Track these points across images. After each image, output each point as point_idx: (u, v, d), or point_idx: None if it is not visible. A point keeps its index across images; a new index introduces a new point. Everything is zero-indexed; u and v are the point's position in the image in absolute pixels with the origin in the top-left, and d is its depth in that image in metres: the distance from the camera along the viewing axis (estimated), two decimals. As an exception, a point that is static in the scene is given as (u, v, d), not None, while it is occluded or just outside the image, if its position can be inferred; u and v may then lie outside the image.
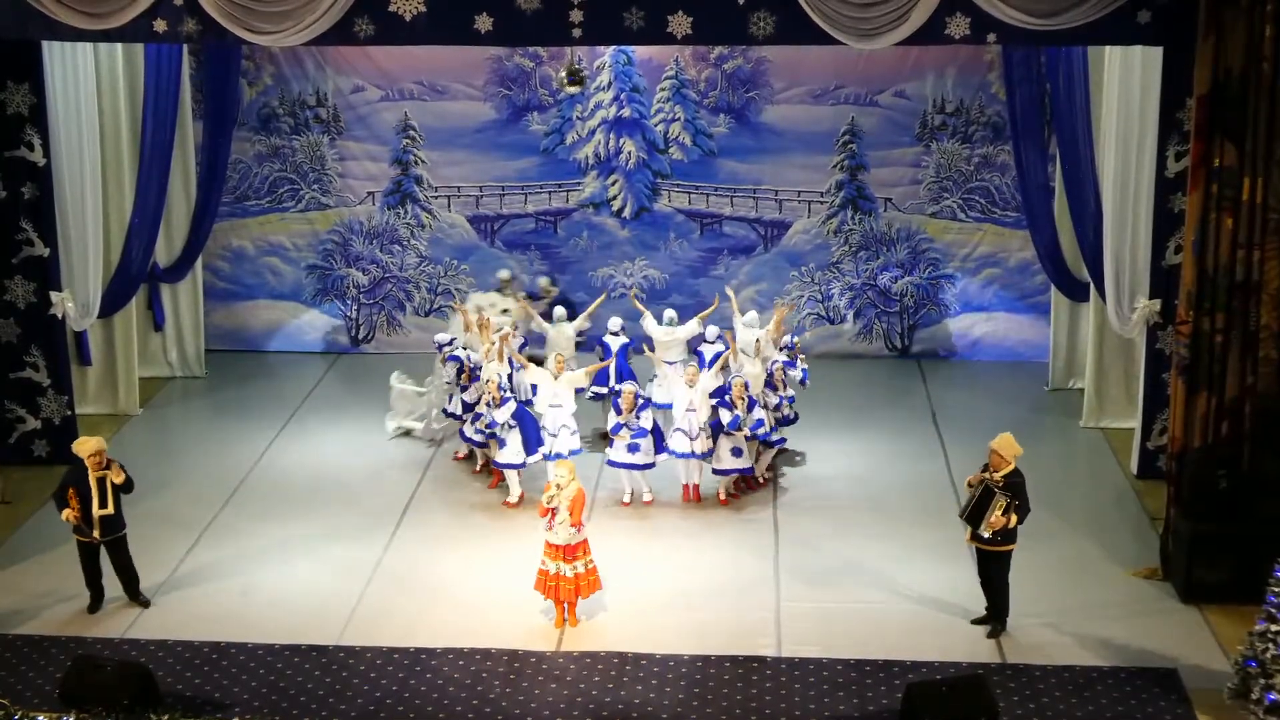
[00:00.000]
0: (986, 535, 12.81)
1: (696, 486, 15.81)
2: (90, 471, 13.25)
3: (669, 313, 17.39)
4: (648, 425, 15.60)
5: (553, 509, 13.00)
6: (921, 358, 19.69)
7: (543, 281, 19.14)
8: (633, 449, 15.53)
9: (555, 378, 15.78)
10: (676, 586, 14.06)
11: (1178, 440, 13.92)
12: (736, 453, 15.60)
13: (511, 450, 15.61)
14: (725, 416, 15.45)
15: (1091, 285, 17.06)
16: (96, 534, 13.31)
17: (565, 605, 13.28)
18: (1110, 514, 15.55)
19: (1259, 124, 13.12)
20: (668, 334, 17.07)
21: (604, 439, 16.23)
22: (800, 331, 19.10)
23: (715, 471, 15.72)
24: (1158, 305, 15.48)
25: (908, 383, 18.98)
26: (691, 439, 15.51)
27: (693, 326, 17.12)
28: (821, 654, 12.86)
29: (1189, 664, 12.66)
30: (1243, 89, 13.11)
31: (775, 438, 16.08)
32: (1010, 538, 12.95)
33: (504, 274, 18.83)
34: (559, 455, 15.31)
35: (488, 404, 15.59)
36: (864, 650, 12.90)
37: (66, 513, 13.23)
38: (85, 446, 13.33)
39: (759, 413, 15.69)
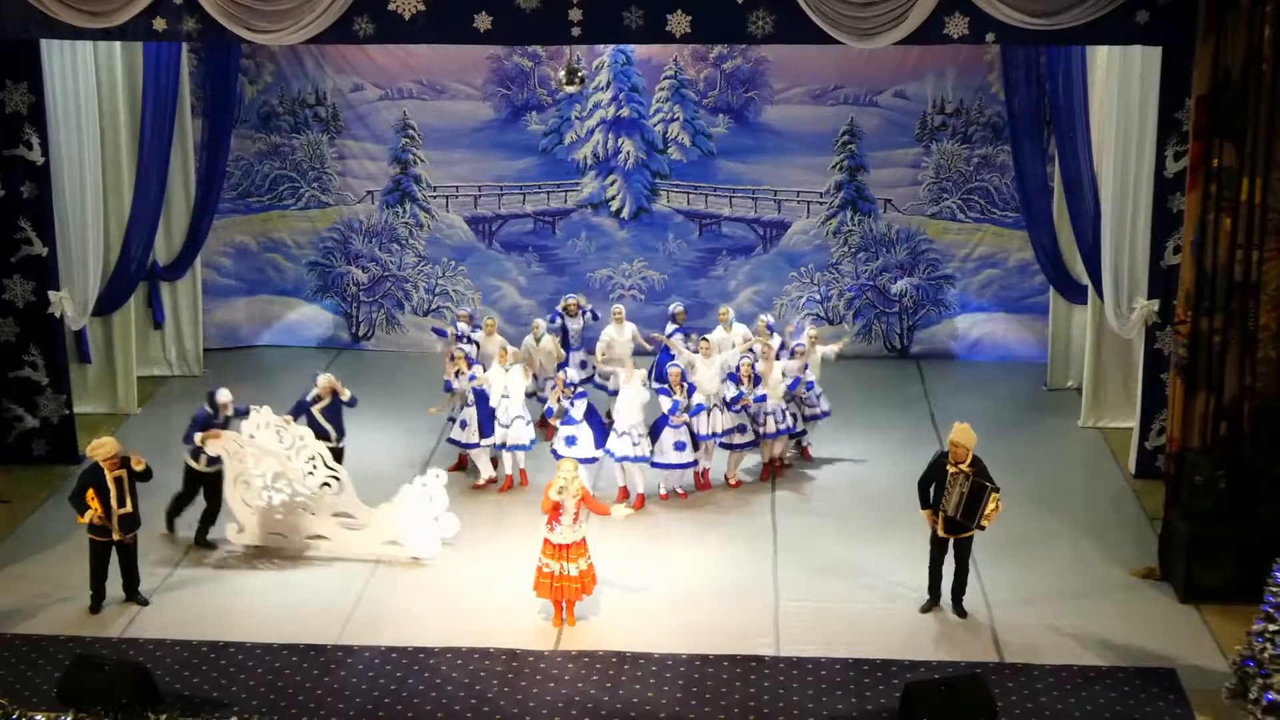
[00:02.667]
0: (986, 527, 13.02)
1: (640, 495, 15.66)
2: (107, 471, 13.24)
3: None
4: (577, 416, 15.49)
5: (558, 503, 12.99)
6: (921, 358, 19.69)
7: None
8: (570, 441, 15.50)
9: (505, 370, 15.87)
10: (675, 586, 14.05)
11: (1176, 440, 13.93)
12: (679, 447, 15.50)
13: (469, 430, 15.78)
14: (665, 403, 15.45)
15: (1090, 286, 17.06)
16: (117, 534, 13.32)
17: (564, 605, 13.28)
18: (1108, 514, 15.54)
19: (1258, 124, 13.14)
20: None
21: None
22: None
23: (654, 465, 15.57)
24: (1156, 305, 15.48)
25: (906, 383, 18.98)
26: (632, 443, 15.41)
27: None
28: (820, 653, 12.87)
29: (1187, 664, 12.66)
30: (1242, 89, 13.13)
31: (740, 441, 15.88)
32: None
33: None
34: (517, 447, 15.69)
35: (454, 374, 15.93)
36: (862, 650, 12.91)
37: (90, 514, 13.21)
38: (103, 448, 13.28)
39: (698, 398, 15.61)
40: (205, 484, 14.61)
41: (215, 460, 14.45)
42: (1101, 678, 12.49)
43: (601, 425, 15.78)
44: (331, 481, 14.59)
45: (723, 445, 15.93)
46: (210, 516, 14.65)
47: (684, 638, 13.12)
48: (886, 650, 12.90)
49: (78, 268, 16.38)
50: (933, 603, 13.50)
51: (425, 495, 14.48)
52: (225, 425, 14.47)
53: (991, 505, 12.94)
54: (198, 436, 14.35)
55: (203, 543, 14.64)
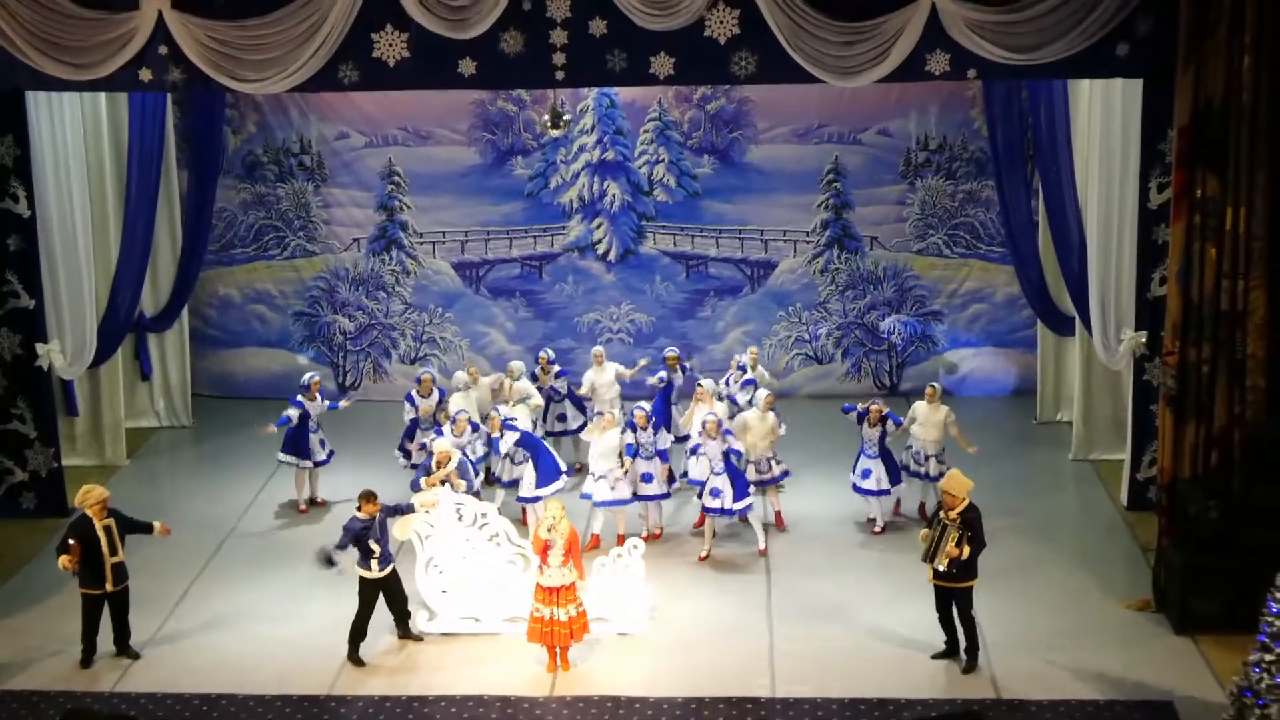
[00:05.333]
0: (941, 568, 12.85)
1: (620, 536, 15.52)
2: (96, 520, 13.15)
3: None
4: (503, 448, 15.72)
5: (548, 542, 12.93)
6: (911, 395, 19.66)
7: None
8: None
9: (511, 405, 16.21)
10: (669, 629, 13.98)
11: (1167, 471, 13.92)
12: (646, 479, 15.54)
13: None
14: (628, 437, 15.55)
15: (1077, 319, 17.10)
16: (110, 584, 13.23)
17: (558, 650, 13.21)
18: (1102, 546, 15.53)
19: (1240, 153, 13.20)
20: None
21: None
22: (788, 372, 19.13)
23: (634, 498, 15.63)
24: (1144, 337, 15.51)
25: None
26: (610, 487, 15.44)
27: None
28: (816, 693, 12.79)
29: (1184, 695, 12.61)
30: (1223, 119, 13.21)
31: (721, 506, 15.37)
32: (969, 573, 12.97)
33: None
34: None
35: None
36: (858, 689, 12.84)
37: (64, 560, 13.08)
38: (92, 495, 13.20)
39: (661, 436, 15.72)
40: (385, 589, 13.54)
41: (388, 559, 13.46)
42: (1099, 712, 12.43)
43: (548, 464, 15.65)
44: (517, 559, 13.79)
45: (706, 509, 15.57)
46: (404, 615, 13.79)
47: (679, 680, 13.05)
48: (882, 689, 12.83)
49: (68, 320, 16.35)
50: (945, 653, 13.29)
51: (623, 566, 13.86)
52: (383, 525, 13.36)
53: (950, 544, 12.74)
54: (393, 524, 13.52)
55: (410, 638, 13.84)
